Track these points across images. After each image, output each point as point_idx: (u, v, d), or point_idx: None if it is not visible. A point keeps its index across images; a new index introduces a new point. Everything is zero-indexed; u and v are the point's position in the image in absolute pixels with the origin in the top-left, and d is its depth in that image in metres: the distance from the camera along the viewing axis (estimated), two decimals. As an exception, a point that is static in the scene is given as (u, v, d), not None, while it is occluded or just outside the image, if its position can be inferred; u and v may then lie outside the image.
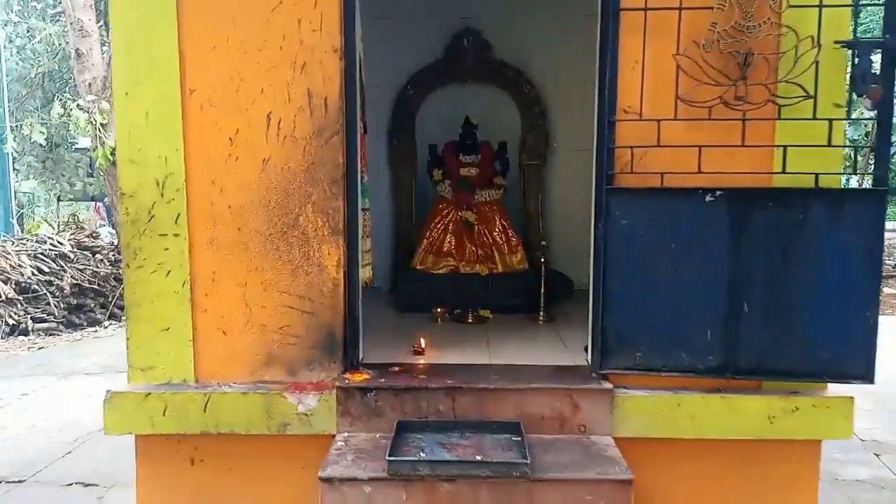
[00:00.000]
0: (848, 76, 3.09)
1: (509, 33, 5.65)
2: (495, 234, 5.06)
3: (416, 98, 5.68)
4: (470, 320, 4.60)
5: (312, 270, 3.25)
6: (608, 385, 3.18)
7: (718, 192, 3.10)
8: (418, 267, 4.99)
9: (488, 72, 5.62)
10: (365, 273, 3.63)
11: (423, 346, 3.73)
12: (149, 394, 3.21)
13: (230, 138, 3.21)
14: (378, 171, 5.84)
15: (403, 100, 5.66)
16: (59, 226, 12.97)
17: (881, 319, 3.14)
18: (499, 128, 5.57)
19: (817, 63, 2.97)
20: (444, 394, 3.15)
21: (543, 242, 4.76)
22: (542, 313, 4.66)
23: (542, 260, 4.70)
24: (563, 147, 5.80)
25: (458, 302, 4.83)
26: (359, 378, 3.23)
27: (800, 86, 3.01)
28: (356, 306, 3.34)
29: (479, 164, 5.26)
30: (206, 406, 3.19)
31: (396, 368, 3.35)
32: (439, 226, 5.07)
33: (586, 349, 3.63)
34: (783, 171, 3.07)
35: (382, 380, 3.22)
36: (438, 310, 4.60)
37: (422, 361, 3.59)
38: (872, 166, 3.09)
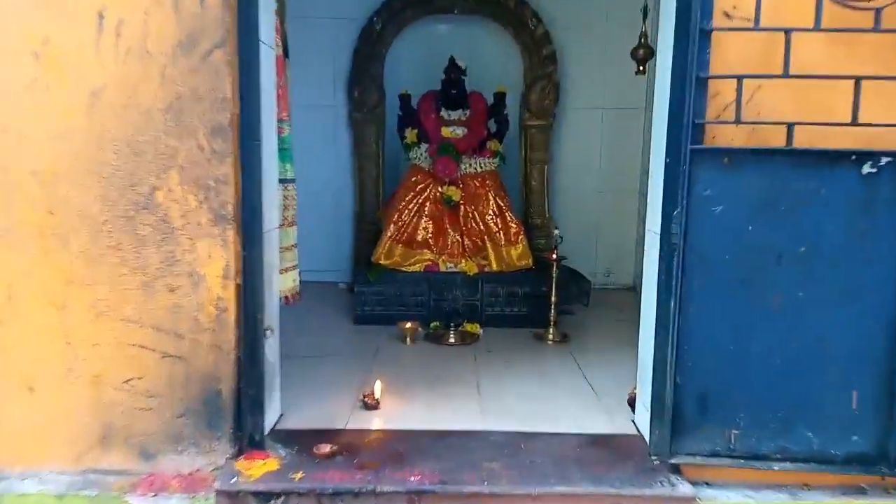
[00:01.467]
0: None
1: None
2: (488, 217, 3.71)
3: (387, 34, 4.28)
4: (452, 340, 3.27)
5: (181, 284, 1.89)
6: (686, 489, 1.86)
7: (885, 160, 1.78)
8: (382, 262, 3.63)
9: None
10: (285, 283, 2.28)
11: (376, 396, 2.40)
12: None
13: (35, 54, 1.83)
14: (335, 133, 4.47)
15: (369, 36, 4.26)
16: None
17: None
18: (495, 74, 4.22)
19: None
20: (404, 501, 1.83)
21: (556, 230, 3.42)
22: (552, 329, 3.35)
23: (555, 255, 3.37)
24: (578, 102, 4.44)
25: (436, 311, 3.52)
26: (258, 469, 1.89)
27: None
28: (259, 342, 2.00)
29: (467, 122, 3.89)
30: (-4, 513, 1.86)
31: (327, 448, 2.01)
32: (412, 206, 3.71)
33: (631, 403, 2.34)
34: None
35: (301, 472, 1.88)
36: (408, 324, 3.26)
37: (374, 426, 2.26)
38: None
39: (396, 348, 3.16)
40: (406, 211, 3.70)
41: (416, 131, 3.86)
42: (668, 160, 1.92)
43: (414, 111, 3.94)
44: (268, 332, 2.08)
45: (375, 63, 4.31)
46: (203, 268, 1.89)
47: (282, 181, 2.22)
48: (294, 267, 2.33)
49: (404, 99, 3.96)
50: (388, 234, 3.67)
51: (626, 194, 4.53)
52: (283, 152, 2.22)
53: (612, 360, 2.99)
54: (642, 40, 3.43)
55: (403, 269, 3.62)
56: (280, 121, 2.18)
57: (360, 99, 4.32)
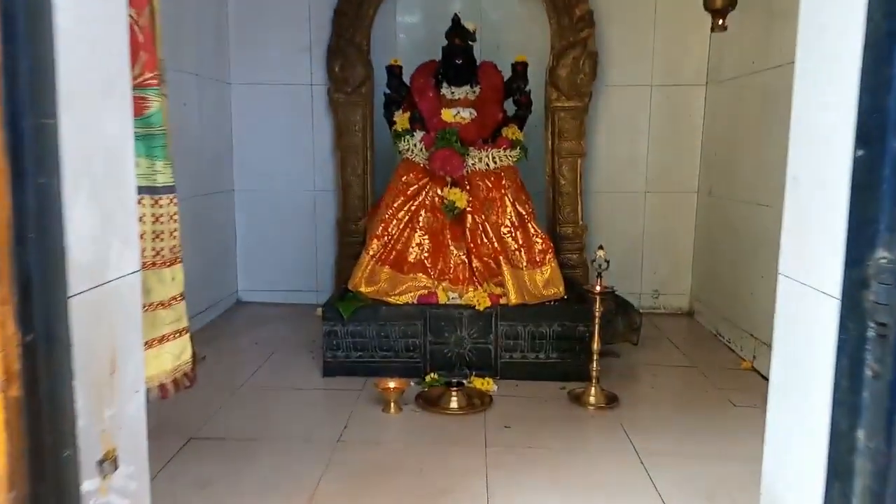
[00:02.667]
0: None
1: None
2: (505, 230, 2.76)
3: (374, -8, 3.37)
4: (454, 404, 2.34)
5: None
6: None
7: None
8: (363, 289, 2.70)
9: (496, -53, 3.29)
10: (159, 363, 1.36)
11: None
12: None
13: None
14: (313, 119, 3.58)
15: (351, -6, 3.35)
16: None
17: None
18: (513, 41, 3.30)
19: None
20: None
21: (601, 251, 2.46)
22: (594, 387, 2.41)
23: (599, 287, 2.42)
24: (621, 77, 3.48)
25: (434, 359, 2.60)
26: None
27: None
28: (71, 500, 1.07)
29: (476, 102, 2.94)
30: None
31: None
32: (401, 215, 2.77)
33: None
34: None
35: None
36: (391, 384, 2.33)
37: None
38: None
39: (374, 421, 2.23)
40: (394, 221, 2.76)
41: (408, 114, 2.92)
42: (859, 153, 0.95)
43: (406, 88, 2.99)
44: (105, 467, 1.16)
45: (361, 29, 3.39)
46: (-62, 369, 0.96)
47: (146, 191, 1.29)
48: (179, 333, 1.40)
49: (394, 71, 3.01)
50: (370, 252, 2.74)
51: (681, 196, 3.58)
52: (149, 140, 1.29)
53: (684, 444, 2.05)
54: (721, -17, 2.46)
55: (390, 299, 2.68)
56: (141, 86, 1.26)
57: (343, 75, 3.42)
